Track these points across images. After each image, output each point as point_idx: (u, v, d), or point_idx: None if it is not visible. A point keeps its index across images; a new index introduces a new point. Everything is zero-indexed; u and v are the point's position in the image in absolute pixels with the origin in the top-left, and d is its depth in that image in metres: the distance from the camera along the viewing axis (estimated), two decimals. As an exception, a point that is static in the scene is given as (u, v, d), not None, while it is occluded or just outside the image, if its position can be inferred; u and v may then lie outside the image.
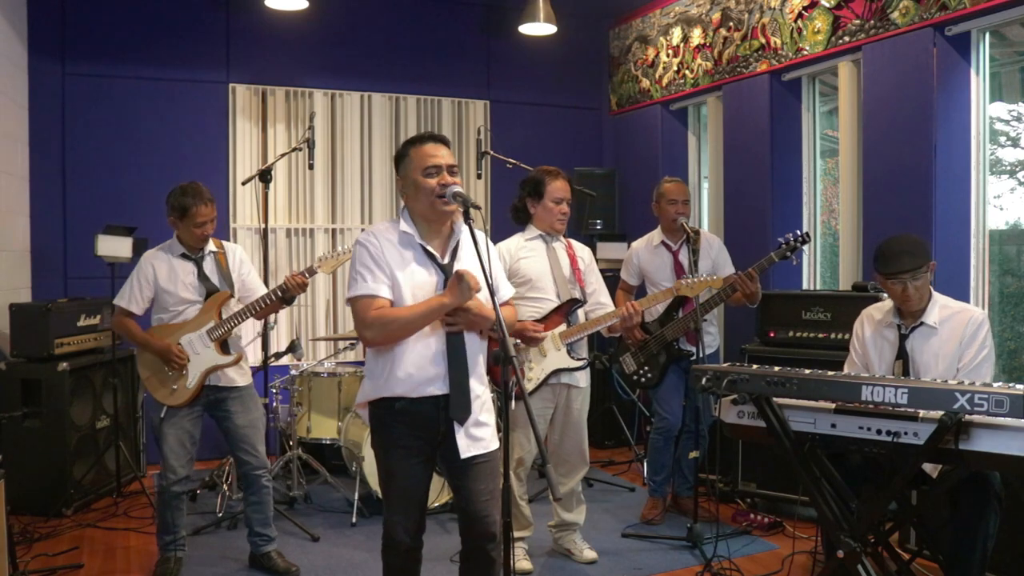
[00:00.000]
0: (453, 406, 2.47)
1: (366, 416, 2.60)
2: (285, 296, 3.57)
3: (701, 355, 3.84)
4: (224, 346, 3.55)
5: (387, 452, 2.53)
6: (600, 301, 3.74)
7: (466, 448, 2.49)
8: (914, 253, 2.93)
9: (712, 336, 4.33)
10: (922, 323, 3.00)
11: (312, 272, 3.62)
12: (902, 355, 3.02)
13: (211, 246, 3.66)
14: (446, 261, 2.53)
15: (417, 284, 2.48)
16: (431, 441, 2.52)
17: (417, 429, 2.50)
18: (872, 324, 3.16)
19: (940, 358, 2.96)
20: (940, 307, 3.01)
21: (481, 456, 2.52)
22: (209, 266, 3.62)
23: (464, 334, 2.50)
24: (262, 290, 3.69)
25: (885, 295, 3.79)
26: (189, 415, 3.53)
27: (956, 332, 2.94)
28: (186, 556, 3.62)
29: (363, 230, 5.90)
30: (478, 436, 2.52)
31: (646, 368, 4.18)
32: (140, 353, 3.59)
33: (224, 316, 3.56)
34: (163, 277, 3.54)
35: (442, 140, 2.56)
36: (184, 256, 3.58)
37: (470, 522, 2.53)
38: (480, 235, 2.47)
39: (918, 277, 2.92)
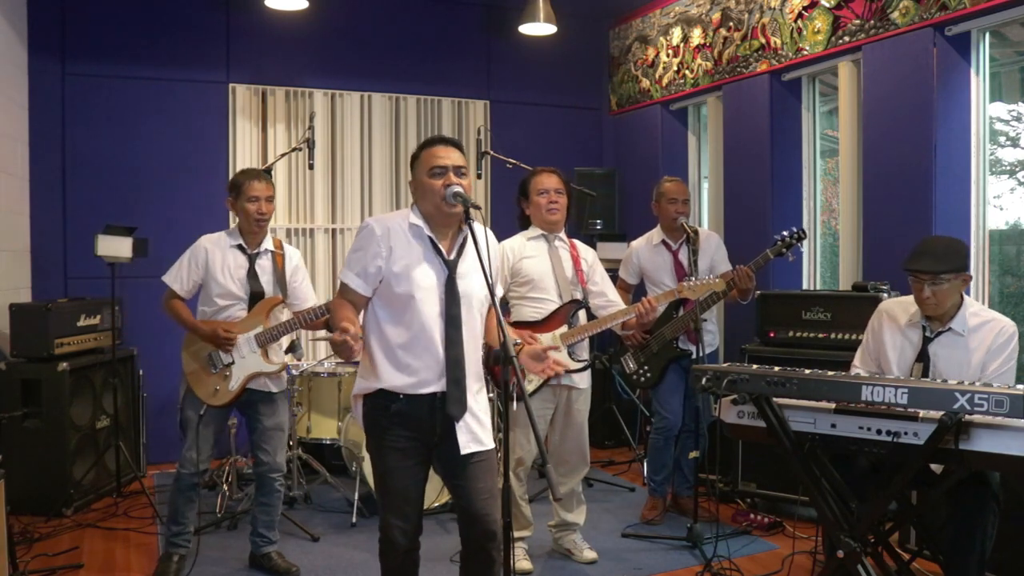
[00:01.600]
0: (450, 402, 2.47)
1: (359, 414, 2.59)
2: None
3: (701, 354, 3.84)
4: (268, 352, 3.54)
5: (383, 454, 2.53)
6: (610, 298, 3.73)
7: (466, 444, 2.49)
8: (939, 258, 2.80)
9: (712, 335, 4.34)
10: (949, 329, 2.87)
11: None
12: (923, 358, 2.91)
13: (270, 244, 3.61)
14: (452, 257, 2.54)
15: (422, 276, 2.49)
16: (427, 442, 2.52)
17: (413, 430, 2.50)
18: (893, 321, 3.03)
19: (965, 366, 2.83)
20: (971, 314, 2.87)
21: (479, 454, 2.52)
22: (263, 264, 3.57)
23: (462, 332, 2.51)
24: (312, 300, 3.64)
25: (885, 294, 3.79)
26: (222, 414, 3.55)
27: (985, 342, 2.83)
28: (188, 554, 3.62)
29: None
30: (476, 433, 2.53)
31: (646, 368, 4.18)
32: (187, 346, 3.54)
33: (273, 322, 3.52)
34: (216, 263, 3.49)
35: (453, 143, 2.57)
36: (240, 248, 3.54)
37: (470, 521, 2.53)
38: (480, 231, 2.49)
39: (938, 283, 2.79)
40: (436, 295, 2.50)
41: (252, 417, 3.60)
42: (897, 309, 3.04)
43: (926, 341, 2.92)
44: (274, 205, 3.62)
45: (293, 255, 3.69)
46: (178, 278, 3.51)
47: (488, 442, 2.56)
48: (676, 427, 4.23)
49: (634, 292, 4.49)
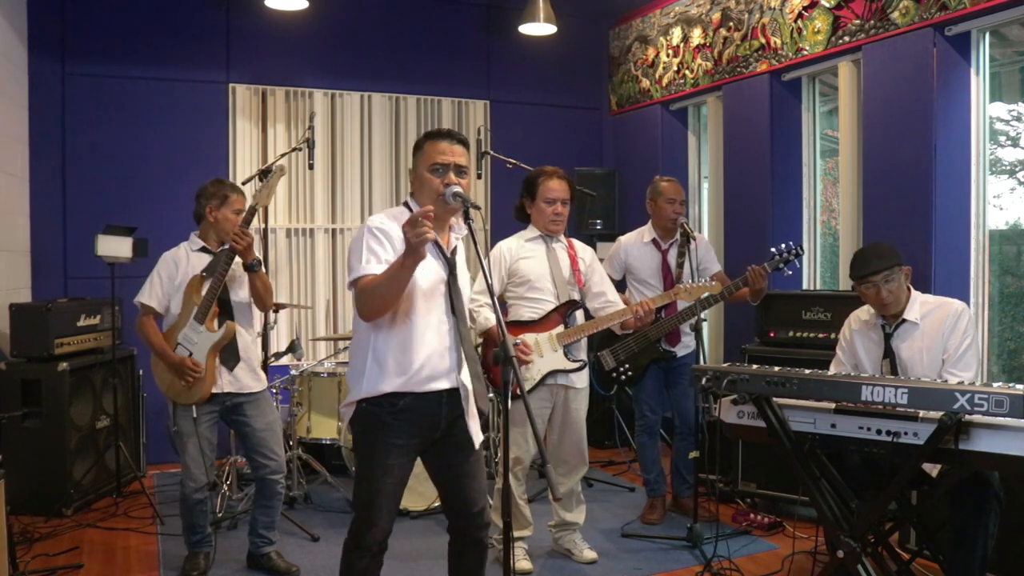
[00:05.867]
0: (478, 397, 2.52)
1: (348, 415, 2.52)
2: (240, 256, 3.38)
3: (701, 352, 3.85)
4: (214, 323, 3.47)
5: (385, 451, 2.45)
6: (609, 298, 3.71)
7: (476, 434, 2.53)
8: (881, 256, 3.02)
9: (688, 336, 4.27)
10: (904, 320, 3.06)
11: (253, 210, 3.44)
12: (888, 353, 3.08)
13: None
14: (450, 254, 2.54)
15: (429, 274, 2.48)
16: (425, 440, 2.52)
17: (417, 427, 2.48)
18: (859, 326, 3.22)
19: (924, 352, 3.02)
20: (920, 303, 3.08)
21: (476, 449, 2.58)
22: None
23: (468, 327, 2.53)
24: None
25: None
26: (206, 421, 3.51)
27: (937, 325, 3.01)
28: (214, 552, 3.63)
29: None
30: (475, 428, 2.56)
31: (626, 365, 4.13)
32: (155, 364, 3.53)
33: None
34: (188, 272, 3.49)
35: (460, 140, 2.53)
36: (204, 251, 3.54)
37: (462, 505, 2.55)
38: (480, 235, 2.53)
39: (889, 280, 3.00)
40: (442, 292, 2.50)
41: (240, 423, 3.57)
42: (860, 315, 3.26)
43: (887, 337, 3.10)
44: None
45: None
46: (152, 294, 3.50)
47: (479, 436, 2.60)
48: (657, 423, 4.26)
49: (616, 288, 4.45)
